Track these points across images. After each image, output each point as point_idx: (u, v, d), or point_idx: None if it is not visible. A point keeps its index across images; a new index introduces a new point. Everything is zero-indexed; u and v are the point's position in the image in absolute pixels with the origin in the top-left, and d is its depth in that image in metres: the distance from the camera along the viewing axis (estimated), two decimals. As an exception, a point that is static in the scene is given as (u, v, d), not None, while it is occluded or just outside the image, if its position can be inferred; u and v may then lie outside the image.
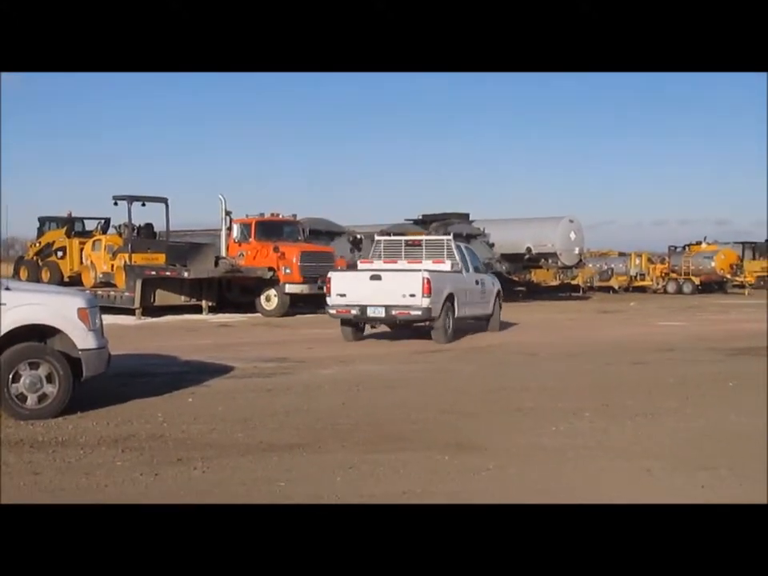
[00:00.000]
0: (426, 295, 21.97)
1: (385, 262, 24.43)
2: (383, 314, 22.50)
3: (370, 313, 22.50)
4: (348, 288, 22.85)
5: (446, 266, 24.09)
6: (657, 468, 8.95)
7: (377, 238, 27.29)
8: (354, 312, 22.65)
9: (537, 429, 10.94)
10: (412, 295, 22.05)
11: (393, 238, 27.94)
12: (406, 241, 26.17)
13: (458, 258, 24.94)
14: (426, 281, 22.09)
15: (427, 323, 22.88)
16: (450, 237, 26.28)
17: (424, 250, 24.91)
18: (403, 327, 24.16)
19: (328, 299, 23.09)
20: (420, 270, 22.71)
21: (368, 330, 24.64)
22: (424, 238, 27.25)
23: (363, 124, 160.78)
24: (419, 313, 22.18)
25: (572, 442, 10.21)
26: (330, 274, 23.93)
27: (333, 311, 23.06)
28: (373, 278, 22.78)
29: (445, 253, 24.65)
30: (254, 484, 8.40)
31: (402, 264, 24.18)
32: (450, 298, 23.16)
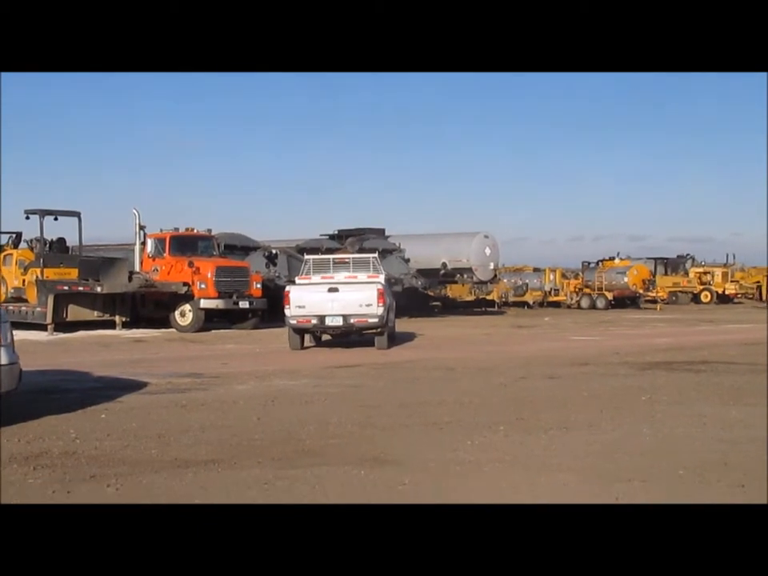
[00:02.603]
0: (380, 305, 24.38)
1: (323, 278, 25.67)
2: (341, 323, 24.75)
3: (329, 322, 24.70)
4: (307, 300, 24.69)
5: (381, 279, 25.80)
6: (573, 481, 8.99)
7: (306, 257, 28.45)
8: (313, 322, 24.66)
9: (453, 443, 10.94)
10: (368, 305, 24.41)
11: (321, 256, 29.00)
12: (334, 259, 27.34)
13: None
14: (380, 292, 24.51)
15: (379, 329, 24.87)
16: (376, 255, 28.22)
17: (351, 267, 26.13)
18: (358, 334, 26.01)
19: (287, 311, 24.74)
20: (375, 283, 25.08)
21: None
22: (351, 256, 28.84)
23: (277, 137, 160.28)
24: (376, 320, 24.59)
25: (488, 455, 10.22)
26: (288, 288, 25.74)
27: (294, 321, 24.71)
28: (330, 290, 24.70)
29: (371, 270, 26.09)
30: (168, 501, 8.28)
31: (361, 277, 25.70)
32: (389, 308, 25.37)
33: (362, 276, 25.64)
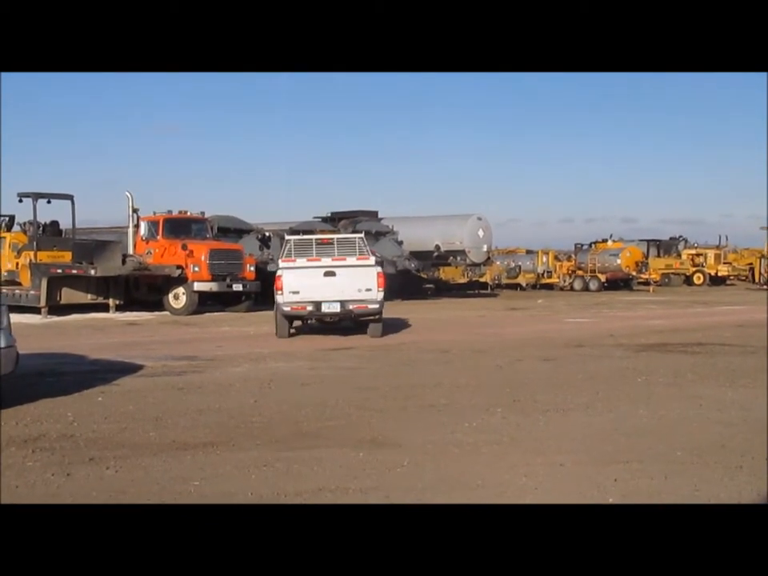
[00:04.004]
0: (380, 289, 22.82)
1: (309, 260, 23.41)
2: (338, 309, 22.83)
3: (325, 308, 22.80)
4: (301, 285, 22.78)
5: (372, 261, 24.05)
6: (570, 462, 9.02)
7: (287, 237, 27.02)
8: (309, 308, 22.75)
9: (450, 425, 10.97)
10: (368, 289, 22.80)
11: (303, 237, 27.26)
12: (317, 239, 25.31)
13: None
14: (380, 275, 22.97)
15: (377, 316, 23.29)
16: (362, 235, 25.93)
17: (336, 249, 24.00)
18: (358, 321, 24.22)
19: (279, 297, 22.80)
20: (373, 266, 23.36)
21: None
22: (335, 236, 26.34)
23: (271, 120, 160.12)
24: (376, 306, 22.93)
25: (486, 437, 10.25)
26: (280, 272, 23.33)
27: (287, 308, 22.79)
28: (327, 273, 22.93)
29: (356, 251, 24.10)
30: (167, 483, 8.32)
31: (353, 260, 23.60)
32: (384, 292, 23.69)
33: (350, 258, 23.60)
